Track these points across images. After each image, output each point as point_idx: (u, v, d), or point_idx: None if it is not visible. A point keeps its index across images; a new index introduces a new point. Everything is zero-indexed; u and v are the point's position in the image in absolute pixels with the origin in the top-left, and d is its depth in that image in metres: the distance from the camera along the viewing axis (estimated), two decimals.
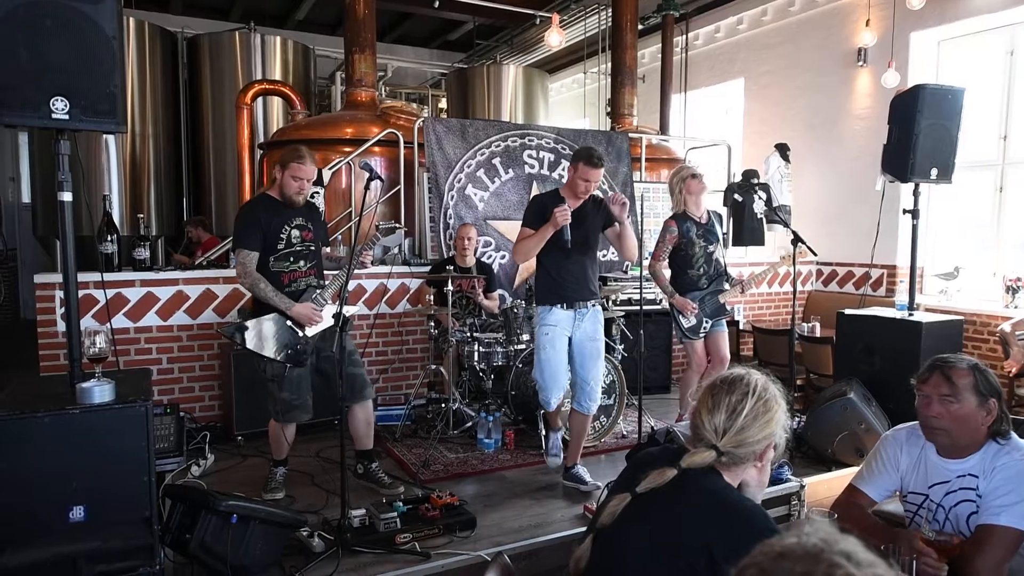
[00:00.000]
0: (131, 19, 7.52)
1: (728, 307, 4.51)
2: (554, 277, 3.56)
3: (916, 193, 4.40)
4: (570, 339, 3.60)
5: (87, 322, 4.10)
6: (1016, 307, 5.34)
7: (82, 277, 3.97)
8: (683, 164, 4.53)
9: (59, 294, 4.11)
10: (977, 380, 1.91)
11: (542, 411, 4.23)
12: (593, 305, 3.62)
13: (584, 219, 3.53)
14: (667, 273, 4.39)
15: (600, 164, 3.45)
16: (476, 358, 4.49)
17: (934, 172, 4.26)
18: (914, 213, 4.41)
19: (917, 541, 1.74)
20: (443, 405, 4.60)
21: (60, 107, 2.21)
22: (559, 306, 3.55)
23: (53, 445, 2.21)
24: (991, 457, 1.92)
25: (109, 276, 4.31)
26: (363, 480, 3.65)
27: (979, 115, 5.68)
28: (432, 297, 4.91)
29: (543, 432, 4.22)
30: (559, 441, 3.73)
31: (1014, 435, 1.94)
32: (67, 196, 2.36)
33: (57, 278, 4.09)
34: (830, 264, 6.90)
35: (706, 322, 4.36)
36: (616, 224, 3.56)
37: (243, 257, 3.30)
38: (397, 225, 4.09)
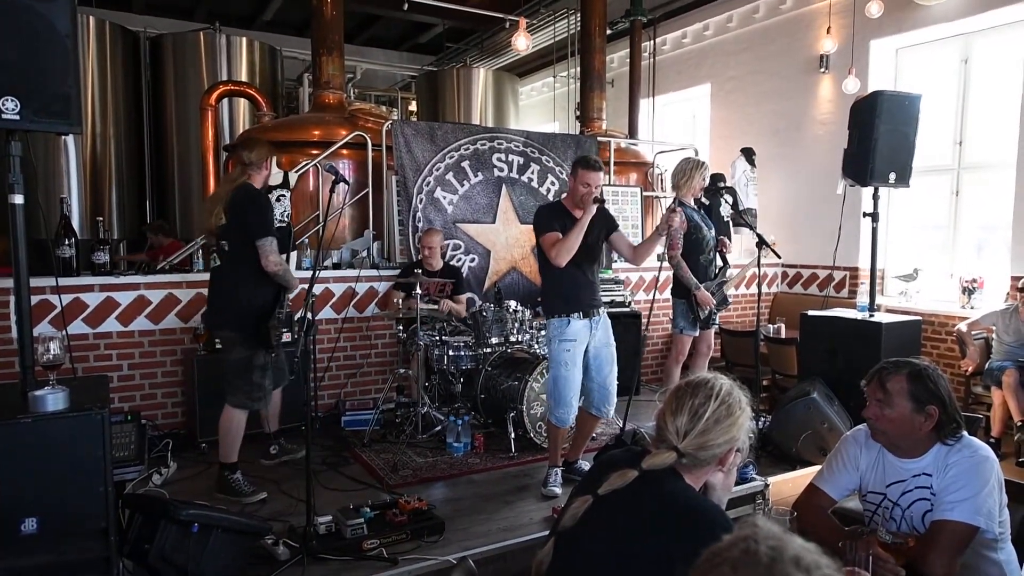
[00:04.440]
0: (91, 18, 7.35)
1: (729, 300, 4.60)
2: (568, 286, 3.54)
3: (875, 197, 4.50)
4: (585, 348, 3.60)
5: (43, 328, 3.99)
6: (972, 307, 5.49)
7: (38, 282, 3.90)
8: (695, 158, 4.66)
9: (12, 299, 3.99)
10: (912, 387, 1.95)
11: (512, 415, 4.24)
12: (603, 311, 3.65)
13: (593, 227, 3.55)
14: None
15: (599, 167, 3.50)
16: (445, 362, 4.47)
17: (892, 176, 4.36)
18: (874, 216, 4.51)
19: (875, 547, 1.76)
20: (412, 409, 4.57)
21: (11, 107, 2.15)
22: (576, 315, 3.53)
23: (4, 455, 2.14)
24: (943, 456, 1.96)
25: (67, 281, 4.19)
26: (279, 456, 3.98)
27: (935, 121, 5.84)
28: (400, 301, 4.88)
29: (512, 435, 4.22)
30: (560, 478, 3.71)
31: (965, 434, 1.99)
32: (18, 199, 2.30)
33: (9, 283, 3.97)
34: (795, 266, 7.03)
35: (713, 314, 4.41)
36: (618, 229, 3.67)
37: (272, 245, 3.39)
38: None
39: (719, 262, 4.57)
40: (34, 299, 3.76)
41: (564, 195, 3.70)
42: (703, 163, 4.47)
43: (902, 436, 1.99)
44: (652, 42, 8.73)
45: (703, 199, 4.55)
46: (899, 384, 1.97)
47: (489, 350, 4.54)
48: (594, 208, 3.41)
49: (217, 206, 3.43)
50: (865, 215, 4.56)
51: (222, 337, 3.67)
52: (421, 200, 5.43)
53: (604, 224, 3.65)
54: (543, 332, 4.63)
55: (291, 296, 3.71)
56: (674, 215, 3.62)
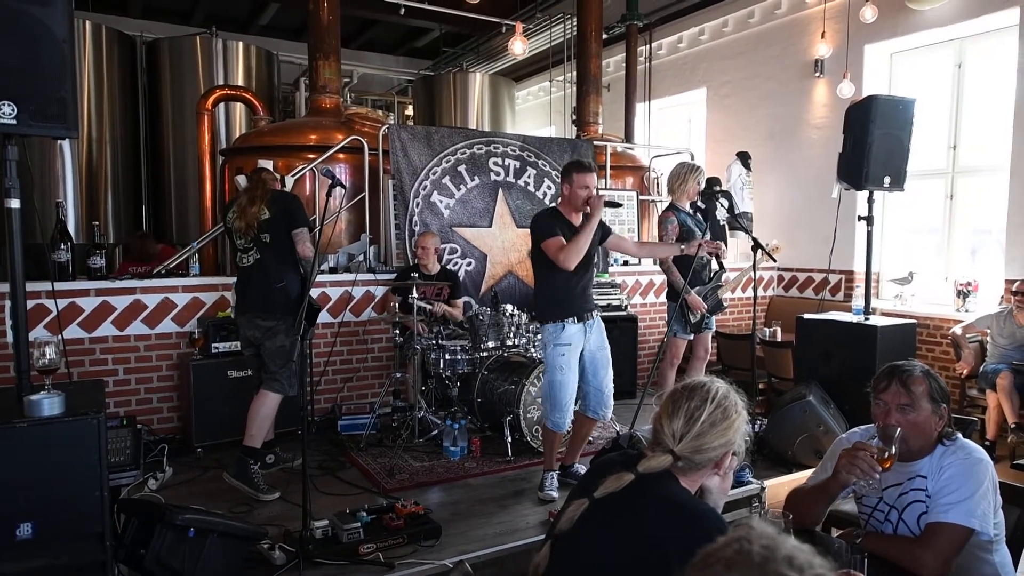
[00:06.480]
0: (87, 23, 7.34)
1: (724, 304, 4.61)
2: (562, 292, 3.55)
3: (870, 200, 4.52)
4: (581, 352, 3.61)
5: (38, 332, 3.98)
6: (967, 310, 5.51)
7: (34, 287, 3.89)
8: (691, 162, 4.66)
9: (7, 304, 3.98)
10: (931, 387, 1.95)
11: (508, 419, 4.25)
12: (596, 315, 3.67)
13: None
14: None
15: (592, 168, 3.54)
16: (441, 366, 4.47)
17: (887, 180, 4.37)
18: (869, 220, 4.53)
19: (858, 443, 1.89)
20: (408, 413, 4.57)
21: (7, 111, 2.15)
22: (570, 320, 3.53)
23: None
24: (938, 458, 1.97)
25: (62, 285, 4.19)
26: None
27: (929, 125, 5.87)
28: (397, 305, 4.88)
29: (508, 439, 4.22)
30: (556, 481, 3.70)
31: (959, 435, 2.00)
32: (15, 203, 2.29)
33: (5, 287, 3.96)
34: (790, 270, 7.05)
35: (707, 318, 4.41)
36: (612, 234, 3.72)
37: (308, 233, 3.65)
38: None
39: (715, 266, 4.57)
40: (30, 303, 3.76)
41: (559, 201, 3.71)
42: (698, 167, 4.49)
43: (918, 439, 1.97)
44: (648, 46, 8.76)
45: (699, 203, 4.55)
46: (922, 386, 1.95)
47: (486, 354, 4.54)
48: (606, 210, 3.44)
49: (257, 203, 3.65)
50: (860, 219, 4.57)
51: (264, 326, 3.66)
52: (418, 204, 5.44)
53: (599, 231, 3.66)
54: (539, 336, 4.64)
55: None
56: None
